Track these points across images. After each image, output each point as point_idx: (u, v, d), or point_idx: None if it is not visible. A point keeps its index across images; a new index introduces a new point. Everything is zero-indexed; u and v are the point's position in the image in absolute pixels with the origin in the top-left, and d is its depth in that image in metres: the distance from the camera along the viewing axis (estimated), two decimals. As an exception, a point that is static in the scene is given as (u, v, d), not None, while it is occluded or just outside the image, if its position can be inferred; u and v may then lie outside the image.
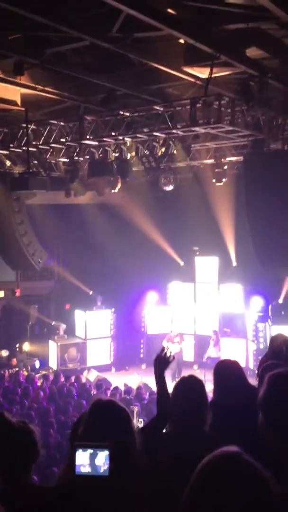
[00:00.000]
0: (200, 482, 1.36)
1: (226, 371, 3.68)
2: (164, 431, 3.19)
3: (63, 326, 17.10)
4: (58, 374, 14.30)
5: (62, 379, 13.74)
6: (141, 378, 14.39)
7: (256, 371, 7.31)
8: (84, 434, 2.00)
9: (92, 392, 12.56)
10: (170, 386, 3.34)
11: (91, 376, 15.40)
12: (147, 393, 12.22)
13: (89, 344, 16.88)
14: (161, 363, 3.37)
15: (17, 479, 2.61)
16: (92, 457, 1.48)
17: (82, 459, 1.50)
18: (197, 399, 3.05)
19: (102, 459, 1.47)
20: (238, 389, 3.52)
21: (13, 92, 9.83)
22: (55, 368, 16.26)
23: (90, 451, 1.49)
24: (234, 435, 1.44)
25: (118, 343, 17.35)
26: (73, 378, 13.81)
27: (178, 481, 1.50)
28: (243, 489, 1.30)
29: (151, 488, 1.68)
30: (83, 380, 14.47)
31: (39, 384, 13.51)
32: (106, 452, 1.46)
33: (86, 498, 1.91)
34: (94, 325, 17.08)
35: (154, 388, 12.88)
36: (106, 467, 1.46)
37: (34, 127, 11.87)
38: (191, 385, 3.16)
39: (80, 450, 1.49)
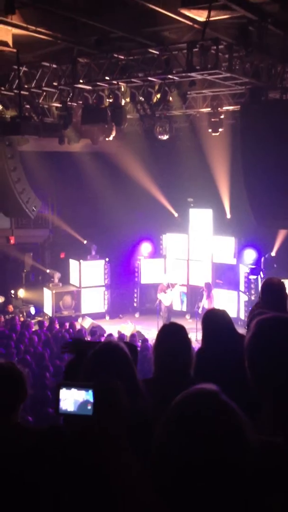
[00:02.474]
0: (174, 417, 1.33)
1: (215, 320, 3.73)
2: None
3: (57, 274, 17.20)
4: (53, 321, 14.48)
5: (57, 326, 13.93)
6: (135, 326, 14.64)
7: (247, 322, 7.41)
8: (84, 377, 2.02)
9: (86, 338, 12.77)
10: None
11: (85, 323, 15.63)
12: (140, 341, 12.44)
13: (84, 293, 17.03)
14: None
15: (4, 418, 2.67)
16: (76, 396, 1.49)
17: (66, 398, 1.51)
18: (180, 344, 3.09)
19: (86, 398, 1.48)
20: (226, 337, 3.57)
21: (4, 32, 9.50)
22: (50, 315, 16.46)
23: (74, 390, 1.50)
24: (220, 381, 1.44)
25: (112, 292, 17.51)
26: (67, 325, 14.00)
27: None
28: (217, 427, 1.27)
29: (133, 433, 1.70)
30: (78, 327, 14.68)
31: (34, 329, 13.69)
32: (90, 392, 1.47)
33: (72, 439, 1.96)
34: (88, 274, 17.18)
35: (147, 335, 13.20)
36: (89, 406, 1.46)
37: (26, 69, 11.56)
38: (173, 330, 3.20)
39: (64, 389, 1.50)
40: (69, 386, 1.51)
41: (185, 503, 1.23)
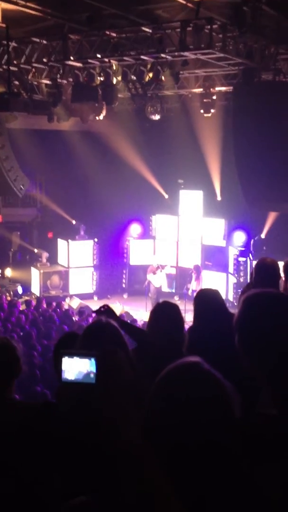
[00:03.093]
0: (159, 391, 1.38)
1: (206, 299, 3.74)
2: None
3: (45, 254, 17.11)
4: (40, 300, 14.46)
5: (44, 305, 13.90)
6: (123, 307, 14.65)
7: (236, 304, 7.44)
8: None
9: (74, 318, 12.78)
10: None
11: (73, 303, 15.62)
12: (129, 321, 12.47)
13: (72, 273, 16.99)
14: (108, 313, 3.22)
15: None
16: (78, 364, 1.49)
17: (68, 366, 1.50)
18: (174, 321, 3.10)
19: (89, 366, 1.48)
20: (218, 315, 3.58)
21: (-7, 7, 9.31)
22: (37, 294, 16.41)
23: (76, 358, 1.50)
24: (212, 359, 1.45)
25: (100, 273, 17.49)
26: (54, 304, 13.98)
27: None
28: (201, 396, 1.32)
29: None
30: (66, 307, 14.67)
31: (21, 309, 13.66)
32: (93, 360, 1.47)
33: (70, 408, 1.96)
34: (76, 254, 17.12)
35: (135, 316, 13.24)
36: (92, 374, 1.46)
37: (15, 45, 11.33)
38: (166, 308, 3.22)
39: (66, 357, 1.50)
40: (71, 354, 1.51)
41: (178, 469, 1.28)
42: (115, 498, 1.11)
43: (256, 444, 1.42)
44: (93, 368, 1.46)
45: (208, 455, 1.29)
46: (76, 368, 1.48)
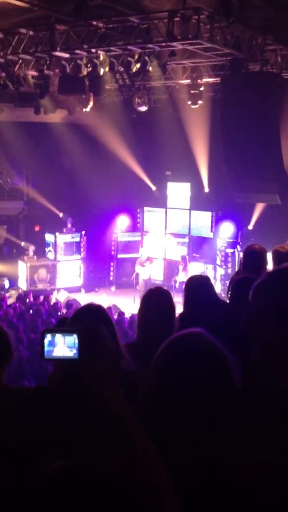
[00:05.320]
0: (162, 359, 1.39)
1: (197, 285, 3.74)
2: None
3: (32, 247, 17.02)
4: (27, 294, 14.38)
5: (31, 299, 13.84)
6: (110, 300, 14.63)
7: (224, 295, 7.46)
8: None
9: (62, 311, 12.73)
10: None
11: (61, 297, 15.56)
12: (116, 314, 12.45)
13: (59, 266, 16.92)
14: None
15: None
16: (60, 341, 1.50)
17: (51, 344, 1.51)
18: (165, 305, 3.11)
19: (71, 342, 1.49)
20: (207, 302, 3.59)
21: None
22: (24, 288, 16.33)
23: (59, 335, 1.50)
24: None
25: (88, 266, 17.44)
26: (42, 298, 13.92)
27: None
28: (203, 365, 1.33)
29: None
30: (53, 300, 14.61)
31: (9, 303, 13.58)
32: (75, 336, 1.47)
33: (59, 386, 1.96)
34: (64, 247, 17.06)
35: (122, 309, 13.24)
36: (75, 350, 1.47)
37: (1, 36, 11.21)
38: (158, 294, 3.22)
39: (49, 335, 1.50)
40: (53, 332, 1.51)
41: (176, 436, 1.30)
42: (100, 467, 1.10)
43: (253, 413, 1.44)
44: (75, 344, 1.46)
45: (208, 423, 1.30)
46: (58, 345, 1.49)
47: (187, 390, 1.32)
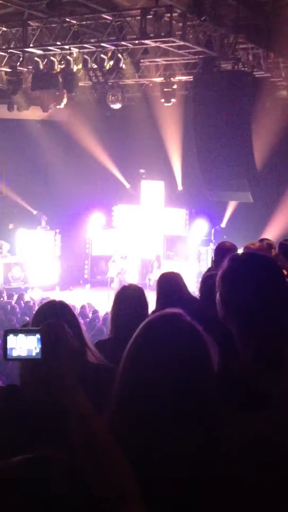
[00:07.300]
0: (139, 338, 1.40)
1: (169, 281, 3.77)
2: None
3: (6, 245, 16.85)
4: (1, 292, 14.25)
5: (5, 297, 13.72)
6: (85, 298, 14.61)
7: (198, 293, 7.51)
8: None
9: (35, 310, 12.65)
10: None
11: (35, 295, 15.46)
12: (91, 312, 12.45)
13: (33, 264, 16.81)
14: None
15: None
16: (23, 341, 1.52)
17: (13, 344, 1.53)
18: (138, 303, 3.13)
19: (34, 342, 1.50)
20: (179, 298, 3.62)
21: None
22: (-2, 286, 16.18)
23: (21, 335, 1.52)
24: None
25: (62, 264, 17.36)
26: (15, 296, 13.82)
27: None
28: (181, 345, 1.34)
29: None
30: (27, 298, 14.51)
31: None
32: (37, 336, 1.49)
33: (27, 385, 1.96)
34: (38, 245, 16.95)
35: (97, 307, 13.22)
36: (37, 350, 1.49)
37: (-27, 31, 11.09)
38: (131, 290, 3.25)
39: (11, 335, 1.52)
40: (16, 332, 1.53)
41: (154, 419, 1.29)
42: (60, 460, 1.12)
43: (232, 395, 1.45)
44: (38, 343, 1.48)
45: (186, 404, 1.30)
46: (21, 345, 1.50)
47: (168, 368, 1.32)
